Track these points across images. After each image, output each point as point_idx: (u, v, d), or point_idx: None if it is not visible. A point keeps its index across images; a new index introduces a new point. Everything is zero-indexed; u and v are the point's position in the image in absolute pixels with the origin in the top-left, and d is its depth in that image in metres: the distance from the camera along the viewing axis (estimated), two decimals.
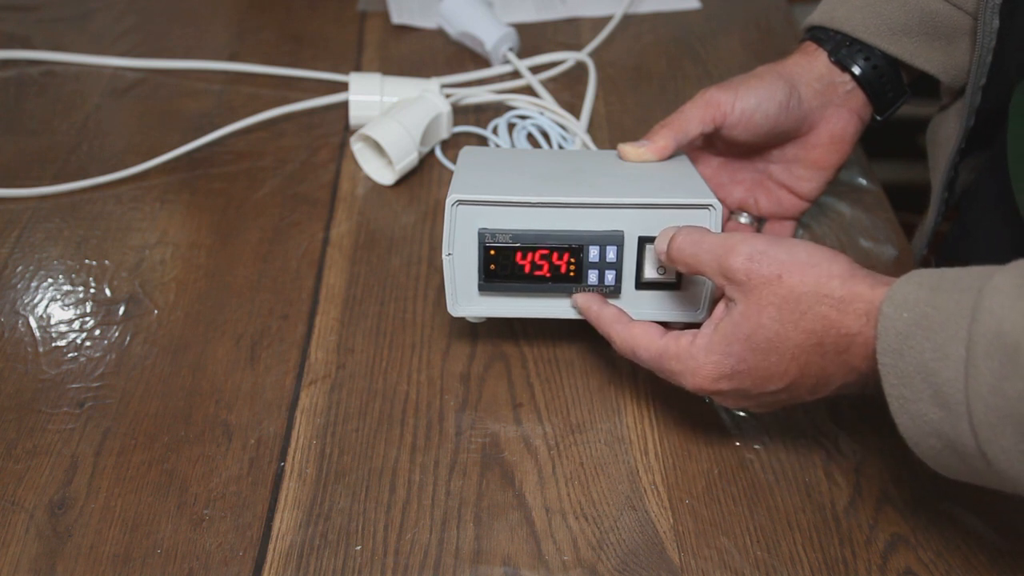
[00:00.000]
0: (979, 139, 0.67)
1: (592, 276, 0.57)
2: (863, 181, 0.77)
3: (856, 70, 0.62)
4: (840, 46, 0.62)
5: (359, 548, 0.53)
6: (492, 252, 0.56)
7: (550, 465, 0.57)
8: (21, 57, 0.91)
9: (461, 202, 0.56)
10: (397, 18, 0.96)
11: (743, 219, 0.68)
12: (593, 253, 0.56)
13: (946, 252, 0.74)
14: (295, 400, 0.61)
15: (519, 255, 0.56)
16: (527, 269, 0.57)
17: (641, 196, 0.55)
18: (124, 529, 0.54)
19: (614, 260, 0.56)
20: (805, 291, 0.46)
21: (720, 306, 0.51)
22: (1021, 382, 0.38)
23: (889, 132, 0.69)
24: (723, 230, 0.68)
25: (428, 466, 0.57)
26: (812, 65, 0.63)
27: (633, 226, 0.56)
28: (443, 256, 0.57)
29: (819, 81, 0.62)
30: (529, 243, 0.56)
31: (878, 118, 0.64)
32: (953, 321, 0.40)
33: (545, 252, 0.56)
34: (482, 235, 0.56)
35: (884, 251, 0.71)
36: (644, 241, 0.56)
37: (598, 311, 0.56)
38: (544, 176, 0.59)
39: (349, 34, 0.95)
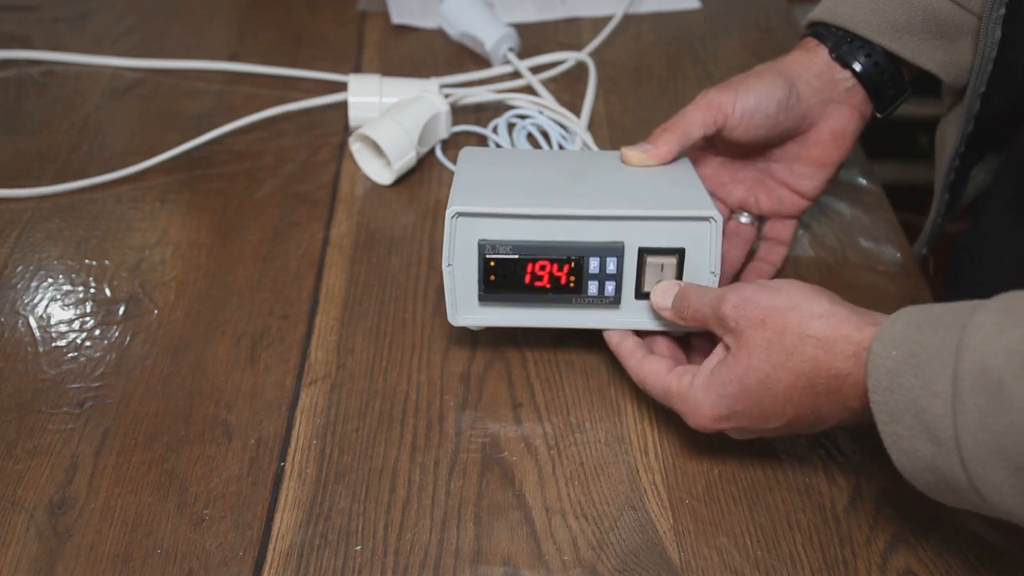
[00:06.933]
0: (991, 142, 0.66)
1: (592, 287, 0.57)
2: (863, 181, 0.77)
3: (857, 67, 0.62)
4: (841, 42, 0.62)
5: (359, 548, 0.53)
6: (492, 263, 0.56)
7: (550, 465, 0.57)
8: (21, 57, 0.91)
9: (461, 214, 0.56)
10: (397, 18, 0.96)
11: (743, 219, 0.68)
12: (593, 264, 0.56)
13: (961, 254, 0.74)
14: (295, 400, 0.61)
15: (519, 266, 0.56)
16: (527, 280, 0.56)
17: (642, 208, 0.55)
18: (124, 529, 0.54)
19: (614, 272, 0.56)
20: (788, 333, 0.48)
21: (719, 347, 0.52)
22: (1007, 417, 0.38)
23: (889, 132, 0.69)
24: (724, 230, 0.68)
25: (428, 466, 0.57)
26: (812, 62, 0.63)
27: (633, 237, 0.56)
28: (443, 267, 0.57)
29: (818, 78, 0.62)
30: (529, 255, 0.56)
31: (879, 115, 0.64)
32: (939, 358, 0.41)
33: (545, 263, 0.56)
34: (482, 246, 0.56)
35: (884, 251, 0.71)
36: (644, 252, 0.56)
37: (619, 341, 0.58)
38: (544, 184, 0.58)
39: (349, 34, 0.95)
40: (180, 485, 0.56)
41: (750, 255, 0.69)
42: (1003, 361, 0.39)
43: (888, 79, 0.63)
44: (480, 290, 0.57)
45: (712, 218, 0.55)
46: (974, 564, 0.52)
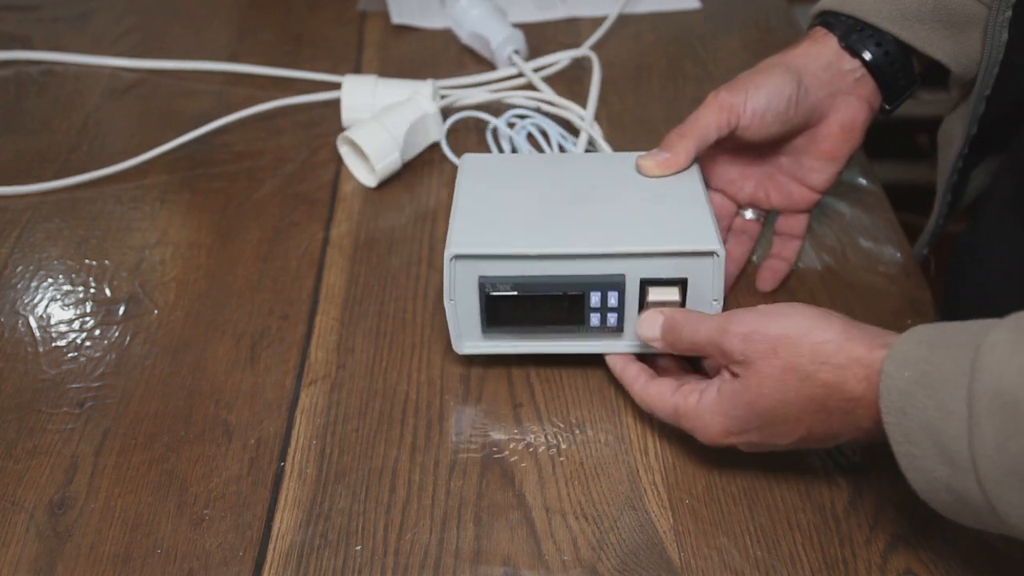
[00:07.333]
0: (993, 143, 0.66)
1: (594, 319, 0.56)
2: (863, 181, 0.77)
3: (867, 55, 0.61)
4: (851, 31, 0.61)
5: (359, 548, 0.53)
6: (493, 299, 0.56)
7: (550, 465, 0.57)
8: (21, 57, 0.91)
9: (459, 256, 0.55)
10: (397, 18, 0.96)
11: (749, 214, 0.67)
12: (595, 299, 0.56)
13: (961, 256, 0.74)
14: (295, 400, 0.61)
15: (520, 301, 0.56)
16: (529, 313, 0.57)
17: (644, 243, 0.55)
18: (124, 529, 0.54)
19: (616, 305, 0.56)
20: (801, 361, 0.47)
21: (724, 372, 0.52)
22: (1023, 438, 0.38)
23: (889, 132, 0.68)
24: (730, 226, 0.68)
25: (428, 466, 0.57)
26: (820, 52, 0.62)
27: (635, 269, 0.55)
28: (445, 302, 0.57)
29: (826, 70, 0.61)
30: (530, 291, 0.56)
31: (887, 107, 0.63)
32: (952, 379, 0.41)
33: (546, 298, 0.56)
34: (482, 284, 0.56)
35: (884, 251, 0.71)
36: (646, 283, 0.56)
37: (622, 368, 0.58)
38: (544, 211, 0.58)
39: (349, 34, 0.95)
40: (180, 485, 0.56)
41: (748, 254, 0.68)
42: (1018, 381, 0.38)
43: (898, 69, 0.62)
44: (483, 324, 0.57)
45: (715, 253, 0.54)
46: (974, 564, 0.52)
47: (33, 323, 0.66)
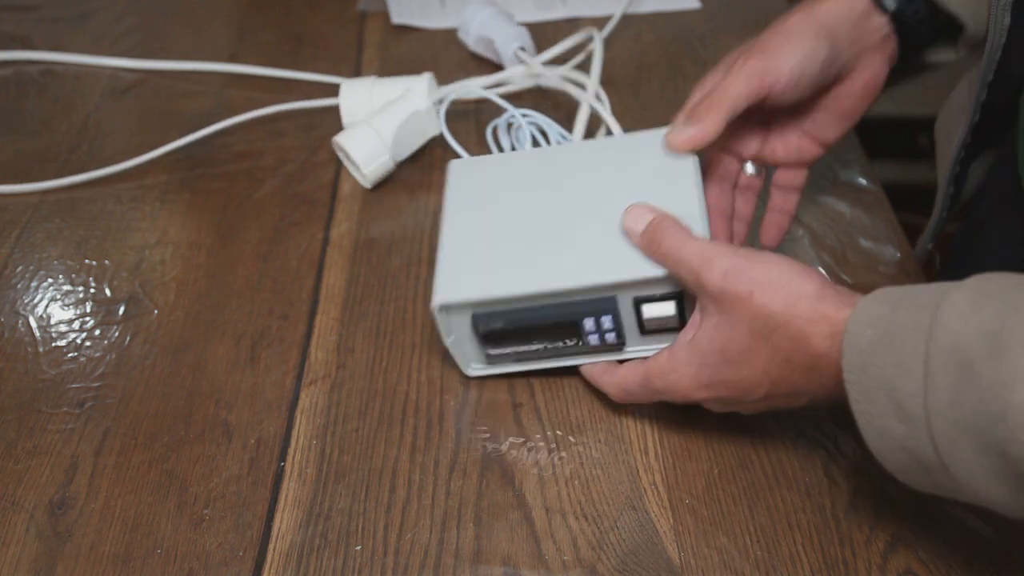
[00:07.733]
0: (989, 137, 0.66)
1: (593, 339, 0.57)
2: (863, 181, 0.77)
3: (892, 4, 0.59)
4: None
5: (359, 548, 0.53)
6: (488, 334, 0.57)
7: (550, 465, 0.57)
8: (21, 57, 0.91)
9: (446, 308, 0.56)
10: (397, 18, 0.96)
11: (750, 170, 0.66)
12: (589, 324, 0.56)
13: (957, 252, 0.74)
14: (295, 400, 0.61)
15: (515, 333, 0.57)
16: (527, 341, 0.57)
17: (634, 269, 0.54)
18: (124, 529, 0.54)
19: (611, 327, 0.56)
20: (775, 310, 0.47)
21: (696, 317, 0.52)
22: (975, 395, 0.38)
23: (889, 132, 0.68)
24: (736, 183, 0.66)
25: (428, 466, 0.57)
26: (852, 6, 0.59)
27: (627, 291, 0.55)
28: (443, 340, 0.57)
29: (856, 26, 0.59)
30: (523, 324, 0.56)
31: (896, 66, 0.61)
32: (912, 337, 0.41)
33: (541, 328, 0.56)
34: (475, 321, 0.56)
35: (884, 251, 0.71)
36: (640, 301, 0.55)
37: (589, 369, 0.59)
38: (531, 242, 0.57)
39: (349, 34, 0.95)
40: (180, 485, 0.56)
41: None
42: (974, 339, 0.39)
43: (922, 24, 0.60)
44: (482, 355, 0.59)
45: None
46: (974, 564, 0.52)
47: (33, 323, 0.66)
